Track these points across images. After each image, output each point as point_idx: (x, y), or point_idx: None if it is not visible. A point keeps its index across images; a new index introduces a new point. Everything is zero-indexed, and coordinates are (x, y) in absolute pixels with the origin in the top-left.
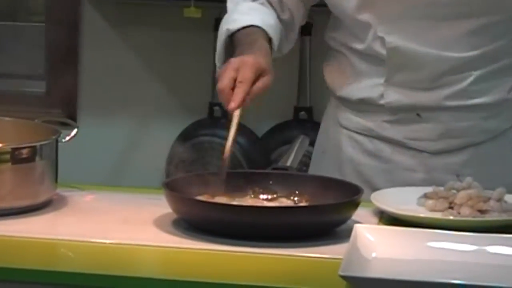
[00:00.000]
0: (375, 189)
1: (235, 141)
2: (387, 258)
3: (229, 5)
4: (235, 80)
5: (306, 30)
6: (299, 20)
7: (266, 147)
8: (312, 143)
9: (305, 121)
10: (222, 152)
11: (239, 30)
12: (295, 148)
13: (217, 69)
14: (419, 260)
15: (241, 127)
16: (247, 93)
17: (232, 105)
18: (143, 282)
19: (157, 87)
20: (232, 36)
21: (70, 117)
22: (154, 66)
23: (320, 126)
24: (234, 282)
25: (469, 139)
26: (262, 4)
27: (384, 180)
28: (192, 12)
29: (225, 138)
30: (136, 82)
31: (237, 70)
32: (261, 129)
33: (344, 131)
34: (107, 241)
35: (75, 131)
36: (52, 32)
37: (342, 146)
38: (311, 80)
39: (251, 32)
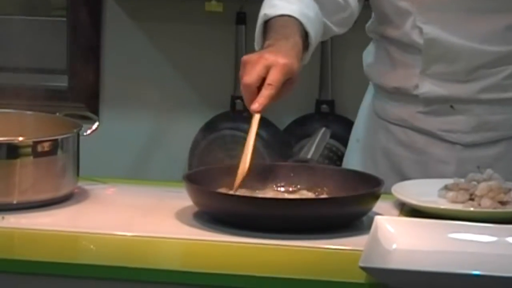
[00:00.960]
0: (407, 179)
1: (254, 148)
2: (408, 250)
3: None
4: (262, 78)
5: None
6: (357, 14)
7: (288, 140)
8: (333, 136)
9: (327, 114)
10: (241, 156)
11: (276, 16)
12: (316, 141)
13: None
14: (439, 252)
15: (263, 120)
16: (273, 98)
17: (256, 106)
18: (164, 274)
19: (179, 81)
20: (267, 23)
21: (92, 112)
22: (176, 61)
23: (357, 115)
24: (255, 274)
25: (502, 132)
26: None
27: (417, 171)
28: (214, 6)
29: (244, 143)
30: (158, 76)
31: (267, 68)
32: (283, 122)
33: (379, 120)
34: (129, 234)
35: (96, 124)
36: (74, 27)
37: (376, 135)
38: (333, 74)
39: (287, 24)
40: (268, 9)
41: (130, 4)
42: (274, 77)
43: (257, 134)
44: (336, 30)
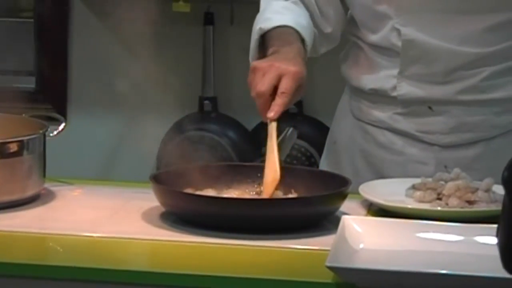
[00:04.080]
0: None
1: (279, 151)
2: (375, 249)
3: (262, 3)
4: (275, 87)
5: None
6: (341, 29)
7: (256, 140)
8: (301, 137)
9: (295, 114)
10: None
11: (272, 28)
12: (284, 141)
13: (251, 62)
14: (407, 251)
15: (231, 121)
16: (287, 105)
17: (272, 115)
18: (132, 275)
19: (146, 82)
20: (264, 35)
21: (61, 113)
22: (143, 61)
23: (334, 117)
24: (222, 274)
25: (480, 133)
26: (294, 3)
27: (396, 172)
28: (181, 6)
29: (263, 154)
30: (126, 77)
31: (279, 76)
32: (250, 123)
33: (357, 122)
34: (96, 235)
35: (62, 125)
36: (42, 28)
37: (354, 137)
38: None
39: (285, 32)
40: (262, 23)
41: (97, 5)
42: (287, 85)
43: (277, 141)
44: (319, 46)
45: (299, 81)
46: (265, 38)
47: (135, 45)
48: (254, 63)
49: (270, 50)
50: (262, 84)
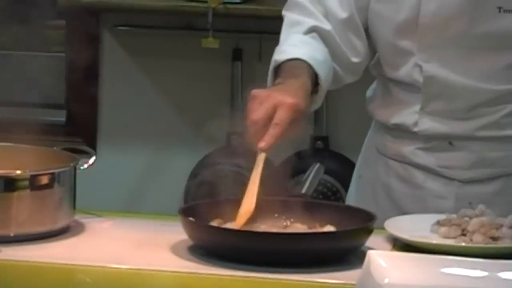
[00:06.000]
0: (406, 214)
1: (260, 188)
2: (400, 284)
3: (282, 35)
4: (269, 116)
5: None
6: (367, 61)
7: (283, 174)
8: (327, 172)
9: (321, 150)
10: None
11: (286, 61)
12: (311, 176)
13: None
14: (431, 286)
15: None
16: (279, 137)
17: (262, 145)
18: None
19: (175, 116)
20: (278, 67)
21: (90, 146)
22: (172, 96)
23: (361, 152)
24: None
25: (500, 169)
26: (313, 38)
27: (416, 206)
28: (210, 42)
29: (246, 181)
30: (155, 111)
31: (275, 106)
32: (278, 158)
33: (380, 156)
34: (124, 267)
35: (93, 159)
36: (73, 62)
37: (377, 171)
38: (327, 110)
39: (296, 65)
40: (277, 55)
41: (128, 40)
42: (281, 116)
43: (263, 173)
44: (345, 76)
45: (295, 113)
46: (277, 71)
47: (164, 80)
48: (253, 91)
49: (276, 82)
50: (257, 113)
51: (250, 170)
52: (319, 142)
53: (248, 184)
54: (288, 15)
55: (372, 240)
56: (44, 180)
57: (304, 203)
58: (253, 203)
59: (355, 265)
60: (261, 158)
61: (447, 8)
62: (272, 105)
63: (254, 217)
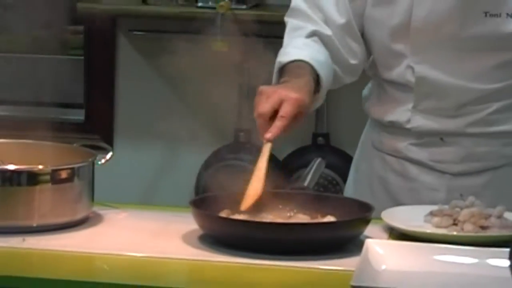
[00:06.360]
0: (401, 205)
1: (266, 174)
2: (396, 270)
3: (285, 39)
4: (275, 110)
5: None
6: (364, 63)
7: (288, 168)
8: (328, 166)
9: (322, 146)
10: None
11: (289, 62)
12: (312, 170)
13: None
14: (425, 272)
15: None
16: (284, 129)
17: (269, 136)
18: None
19: (187, 114)
20: (282, 68)
21: (107, 143)
22: (183, 95)
23: (357, 147)
24: None
25: (489, 163)
26: (314, 41)
27: (410, 198)
28: (220, 46)
29: (250, 171)
30: (167, 110)
31: (281, 101)
32: (282, 153)
33: (376, 152)
34: (139, 255)
35: (110, 154)
36: (91, 65)
37: (373, 165)
38: (328, 108)
39: (299, 66)
40: (281, 57)
41: (142, 44)
42: (286, 110)
43: (268, 161)
44: (345, 77)
45: (299, 107)
46: (281, 72)
47: (176, 81)
48: (261, 87)
49: (281, 80)
50: (264, 106)
51: (255, 163)
52: (320, 138)
53: (254, 170)
54: (290, 21)
55: (370, 229)
56: (64, 174)
57: (306, 195)
58: (260, 188)
59: (354, 253)
60: (267, 147)
61: (437, 13)
62: (278, 100)
63: (260, 208)
